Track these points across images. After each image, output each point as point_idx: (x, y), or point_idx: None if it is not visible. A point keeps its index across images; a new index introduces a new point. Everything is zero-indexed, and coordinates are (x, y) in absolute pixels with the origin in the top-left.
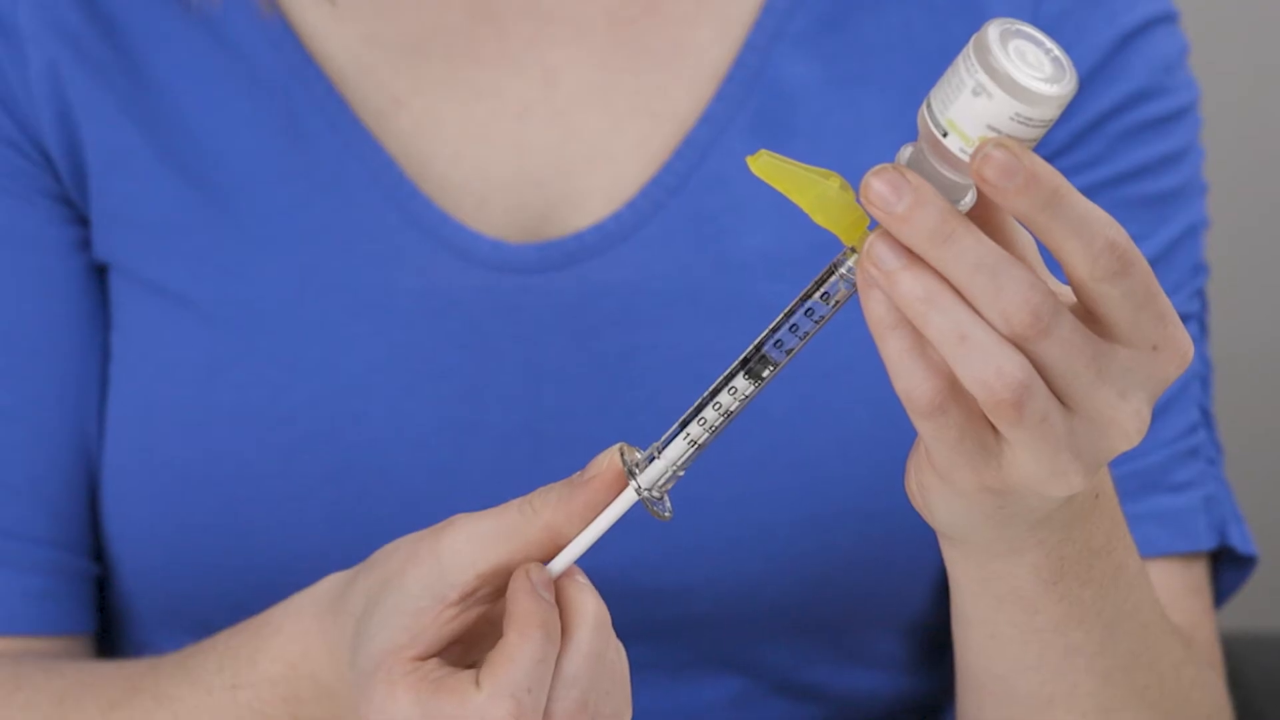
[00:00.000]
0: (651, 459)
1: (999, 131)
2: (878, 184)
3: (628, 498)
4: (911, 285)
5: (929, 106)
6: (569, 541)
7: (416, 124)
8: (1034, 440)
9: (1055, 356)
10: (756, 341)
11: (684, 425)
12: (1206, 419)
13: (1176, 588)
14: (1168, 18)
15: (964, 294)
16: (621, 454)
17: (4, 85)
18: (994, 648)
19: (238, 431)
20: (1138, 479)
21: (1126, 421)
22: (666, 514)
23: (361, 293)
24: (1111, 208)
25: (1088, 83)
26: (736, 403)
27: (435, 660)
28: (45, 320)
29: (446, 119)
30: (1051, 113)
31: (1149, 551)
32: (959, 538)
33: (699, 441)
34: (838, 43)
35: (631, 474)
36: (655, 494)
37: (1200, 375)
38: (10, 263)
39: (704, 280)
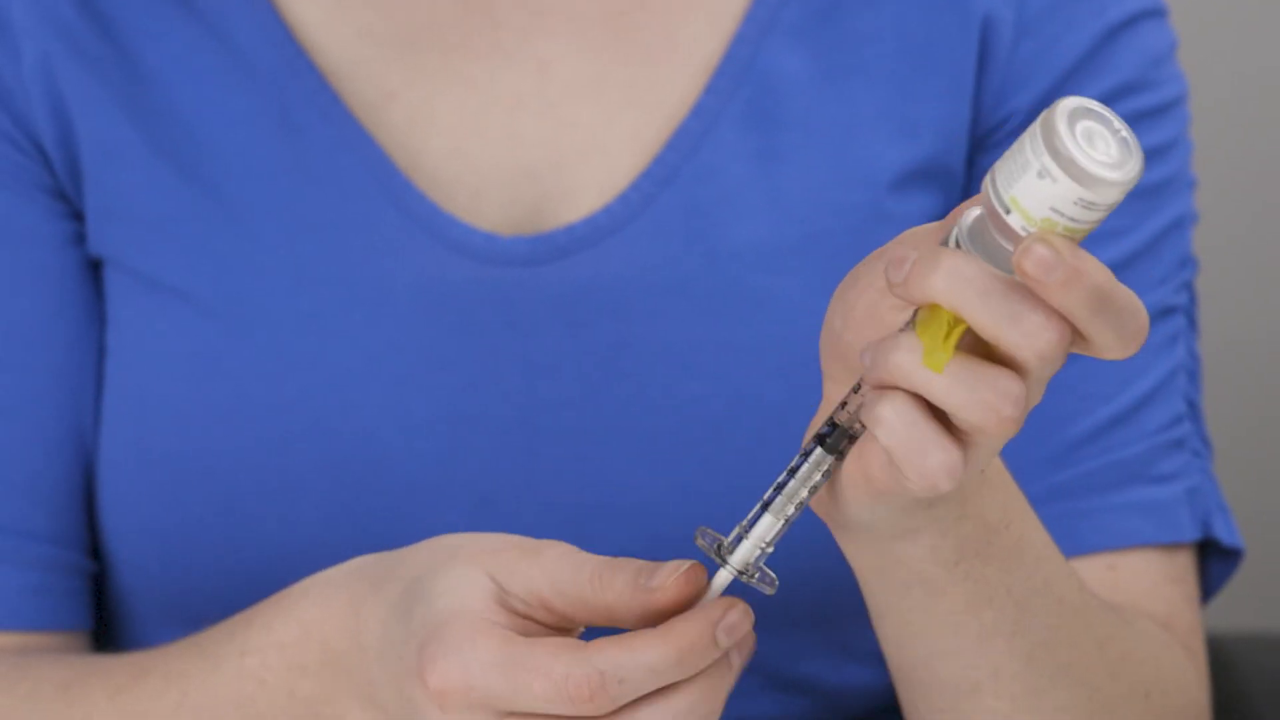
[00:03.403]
0: (740, 539)
1: (1062, 214)
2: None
3: (722, 579)
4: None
5: (993, 180)
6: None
7: (410, 117)
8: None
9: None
10: (830, 415)
11: (767, 504)
12: (1194, 412)
13: (1156, 576)
14: (1155, 12)
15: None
16: (699, 538)
17: None
18: (908, 636)
19: (233, 425)
20: (1120, 470)
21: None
22: (770, 588)
23: (355, 286)
24: None
25: (1074, 76)
26: (819, 474)
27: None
28: (40, 315)
29: (440, 112)
30: (1115, 197)
31: (1131, 542)
32: (858, 528)
33: (786, 514)
34: (829, 35)
35: (722, 558)
36: (752, 571)
37: (1187, 368)
38: (5, 258)
39: (695, 272)
